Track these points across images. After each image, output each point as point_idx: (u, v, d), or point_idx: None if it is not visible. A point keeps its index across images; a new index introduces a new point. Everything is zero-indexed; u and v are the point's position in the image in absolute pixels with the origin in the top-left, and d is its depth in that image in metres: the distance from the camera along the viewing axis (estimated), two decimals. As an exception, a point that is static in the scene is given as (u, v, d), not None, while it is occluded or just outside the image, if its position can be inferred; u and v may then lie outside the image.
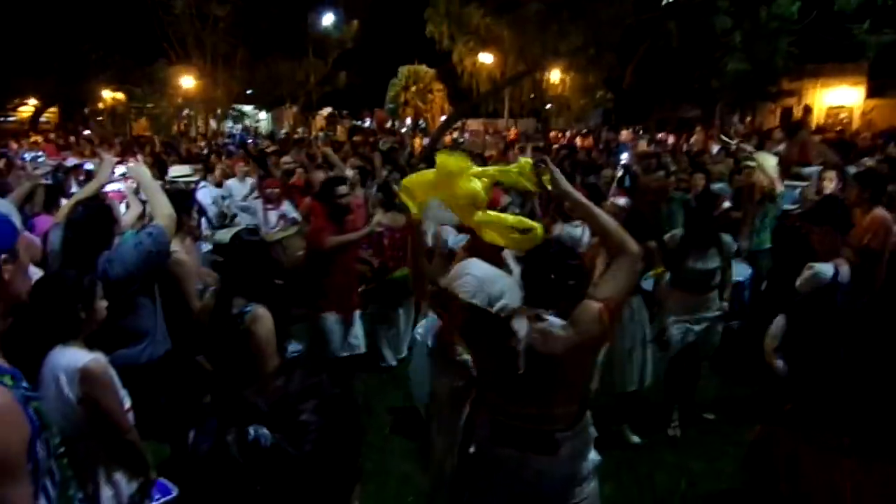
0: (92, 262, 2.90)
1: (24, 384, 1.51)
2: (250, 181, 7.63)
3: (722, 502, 3.67)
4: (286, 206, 6.68)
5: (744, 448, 2.90)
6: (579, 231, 4.49)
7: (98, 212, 3.08)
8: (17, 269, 1.53)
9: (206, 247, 5.62)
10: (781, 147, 9.33)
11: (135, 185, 3.65)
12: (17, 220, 1.53)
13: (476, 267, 2.24)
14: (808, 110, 24.30)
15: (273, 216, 6.56)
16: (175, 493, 2.60)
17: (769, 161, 5.82)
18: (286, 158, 8.99)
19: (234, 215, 6.95)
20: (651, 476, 3.81)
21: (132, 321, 3.04)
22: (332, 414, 0.96)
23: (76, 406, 2.33)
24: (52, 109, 28.30)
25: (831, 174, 5.28)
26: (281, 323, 2.70)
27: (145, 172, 3.12)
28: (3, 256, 1.46)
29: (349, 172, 7.79)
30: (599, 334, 2.07)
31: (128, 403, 2.50)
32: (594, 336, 2.07)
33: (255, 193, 7.19)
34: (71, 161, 8.65)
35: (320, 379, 1.00)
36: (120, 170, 3.59)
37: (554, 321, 2.08)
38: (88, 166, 8.22)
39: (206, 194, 7.16)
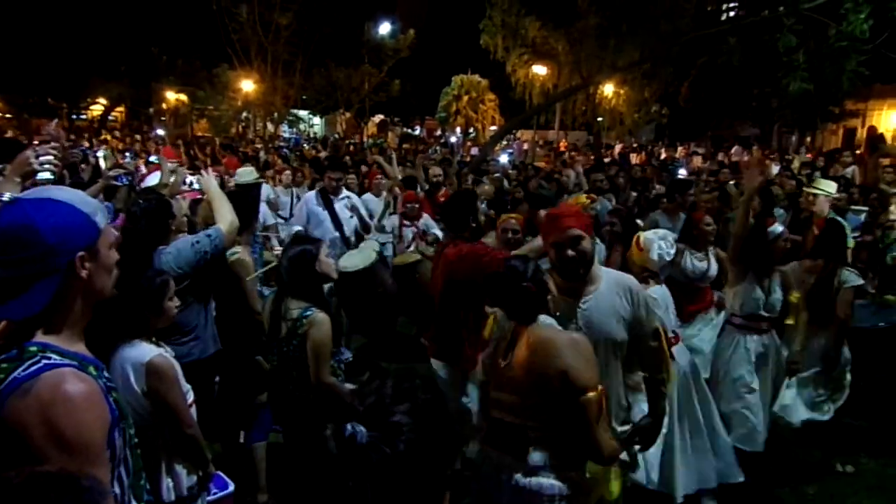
0: (148, 255, 3.00)
1: (106, 374, 1.58)
2: (385, 195, 6.89)
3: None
4: (424, 221, 6.28)
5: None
6: (704, 265, 4.33)
7: (157, 204, 3.19)
8: (98, 266, 1.52)
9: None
10: (850, 170, 9.00)
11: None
12: (101, 217, 1.56)
13: None
14: (872, 130, 23.30)
15: (409, 233, 6.19)
16: (231, 487, 2.68)
17: (830, 188, 5.59)
18: (436, 170, 8.21)
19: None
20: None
21: (178, 316, 3.07)
22: (424, 417, 1.00)
23: (142, 398, 2.43)
24: (120, 108, 29.54)
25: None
26: (338, 332, 2.76)
27: (213, 182, 3.24)
28: (81, 254, 1.45)
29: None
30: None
31: (191, 398, 2.60)
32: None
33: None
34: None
35: (413, 384, 1.05)
36: (189, 180, 3.72)
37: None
38: (153, 158, 8.54)
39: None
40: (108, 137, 17.80)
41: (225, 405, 3.54)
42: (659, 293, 3.45)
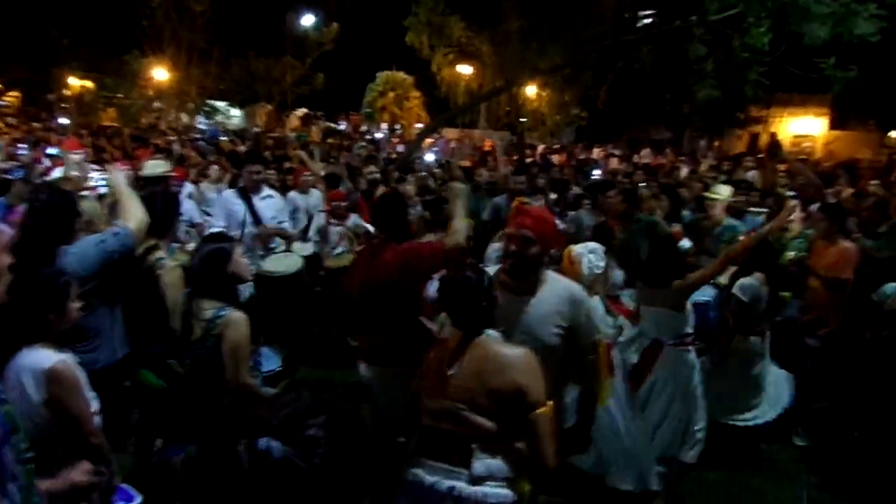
0: (50, 253, 2.81)
1: None
2: (317, 192, 6.81)
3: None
4: (352, 220, 6.15)
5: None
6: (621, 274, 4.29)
7: (60, 200, 2.98)
8: None
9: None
10: (751, 174, 9.60)
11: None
12: None
13: None
14: (774, 137, 25.03)
15: (335, 233, 6.04)
16: (139, 500, 2.54)
17: (725, 192, 5.93)
18: (372, 168, 8.09)
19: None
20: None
21: (84, 320, 2.91)
22: (340, 429, 0.98)
23: (41, 408, 2.27)
24: (14, 93, 27.39)
25: (793, 203, 5.43)
26: (257, 332, 2.67)
27: (121, 178, 3.06)
28: None
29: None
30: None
31: (95, 406, 2.44)
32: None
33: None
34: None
35: (330, 396, 1.03)
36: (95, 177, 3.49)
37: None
38: (52, 150, 7.93)
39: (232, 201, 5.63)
40: (1, 125, 16.45)
41: (138, 413, 3.36)
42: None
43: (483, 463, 2.21)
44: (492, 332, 2.32)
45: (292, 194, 6.80)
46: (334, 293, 4.07)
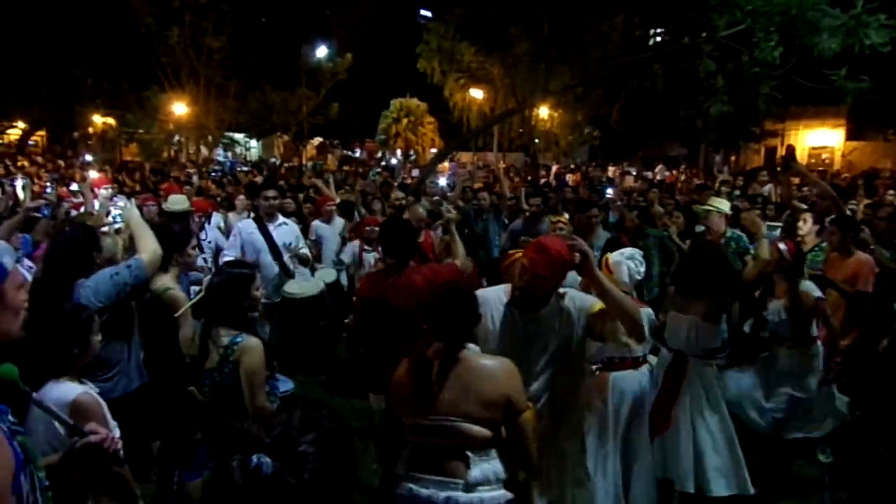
0: (69, 285, 2.89)
1: (11, 418, 1.53)
2: (340, 221, 6.85)
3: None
4: None
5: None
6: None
7: (83, 234, 3.08)
8: (4, 308, 1.51)
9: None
10: (767, 188, 9.53)
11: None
12: (9, 258, 1.52)
13: None
14: (791, 148, 24.74)
15: (370, 259, 6.04)
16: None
17: (723, 205, 5.91)
18: (398, 194, 8.14)
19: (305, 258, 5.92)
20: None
21: (101, 351, 2.98)
22: (329, 446, 1.03)
23: (66, 439, 2.32)
24: (40, 133, 28.19)
25: (807, 216, 5.40)
26: (272, 358, 2.71)
27: (135, 211, 3.16)
28: None
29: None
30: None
31: (118, 435, 2.50)
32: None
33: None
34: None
35: (320, 414, 1.08)
36: (114, 213, 3.60)
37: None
38: (74, 187, 8.15)
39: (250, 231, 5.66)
40: (26, 164, 16.91)
41: (159, 442, 3.42)
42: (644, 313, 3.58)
43: (480, 469, 2.31)
44: (472, 346, 2.42)
45: (316, 223, 6.88)
46: (372, 320, 4.06)
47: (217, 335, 2.70)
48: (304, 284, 5.47)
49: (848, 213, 5.65)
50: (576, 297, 2.83)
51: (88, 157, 20.54)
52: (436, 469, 2.33)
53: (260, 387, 2.65)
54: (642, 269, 3.62)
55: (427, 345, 2.39)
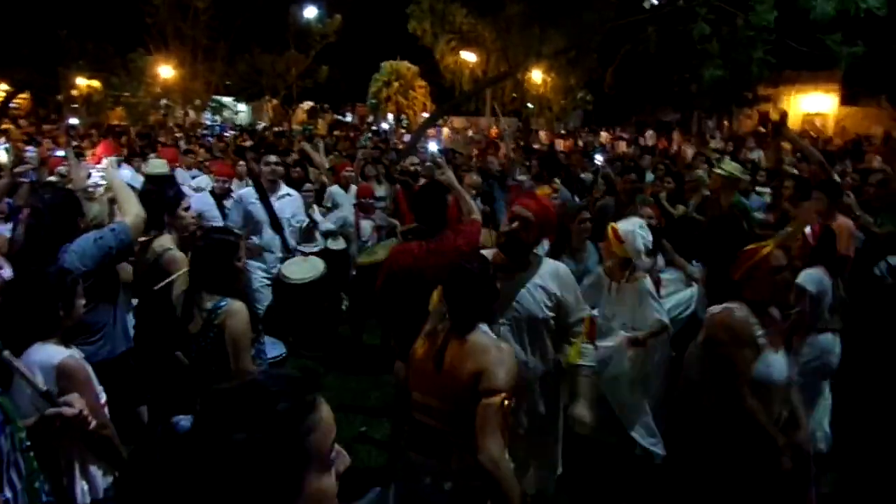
0: (54, 252, 2.87)
1: None
2: (354, 188, 6.68)
3: None
4: (378, 215, 6.24)
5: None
6: None
7: (63, 200, 3.04)
8: None
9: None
10: (756, 154, 9.53)
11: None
12: None
13: None
14: (784, 114, 24.66)
15: (367, 226, 6.02)
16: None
17: (737, 170, 5.84)
18: (412, 159, 8.02)
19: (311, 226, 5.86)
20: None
21: (86, 315, 2.87)
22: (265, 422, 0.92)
23: (53, 396, 2.34)
24: (24, 95, 27.57)
25: (790, 182, 5.40)
26: (257, 321, 2.71)
27: (116, 175, 3.12)
28: None
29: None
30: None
31: (103, 398, 2.52)
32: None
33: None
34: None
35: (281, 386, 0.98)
36: (95, 176, 3.53)
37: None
38: (60, 153, 8.00)
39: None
40: (11, 127, 16.59)
41: (148, 404, 3.44)
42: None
43: (461, 458, 2.20)
44: (483, 327, 2.32)
45: (334, 188, 6.77)
46: (367, 291, 3.92)
47: (201, 299, 2.69)
48: (304, 266, 5.31)
49: (836, 178, 5.65)
50: (562, 280, 2.79)
51: (74, 121, 20.18)
52: (427, 450, 2.30)
53: (245, 350, 2.65)
54: (650, 238, 3.67)
55: (442, 321, 2.33)
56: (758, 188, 6.65)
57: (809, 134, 21.02)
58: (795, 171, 6.63)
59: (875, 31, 8.79)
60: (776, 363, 2.63)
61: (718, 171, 5.72)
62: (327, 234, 6.09)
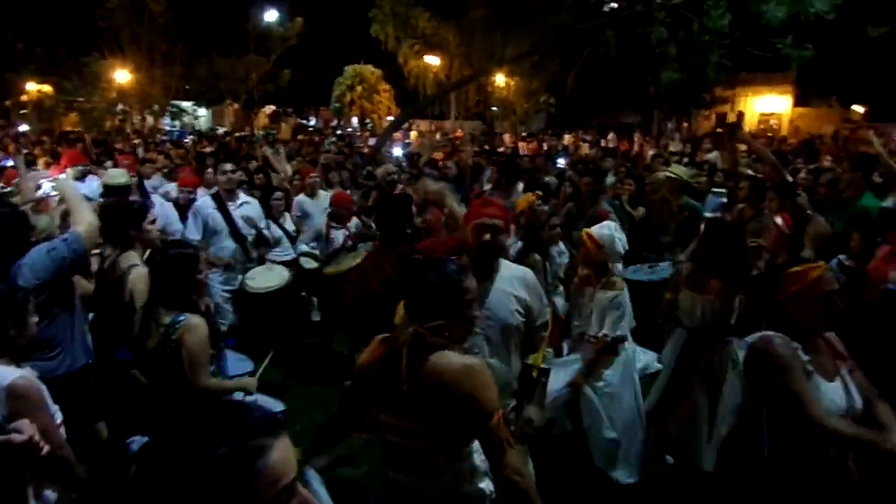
0: (4, 270, 2.79)
1: None
2: (325, 195, 6.45)
3: None
4: (356, 223, 6.04)
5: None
6: None
7: (12, 217, 2.95)
8: None
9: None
10: (712, 155, 9.76)
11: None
12: None
13: None
14: (741, 116, 25.50)
15: (339, 236, 5.78)
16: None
17: (683, 171, 5.98)
18: (388, 167, 7.76)
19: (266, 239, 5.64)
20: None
21: (43, 330, 2.83)
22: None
23: (3, 425, 2.25)
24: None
25: (745, 183, 5.54)
26: (216, 337, 2.66)
27: (69, 184, 3.04)
28: None
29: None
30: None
31: (59, 418, 2.43)
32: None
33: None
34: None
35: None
36: (46, 187, 3.43)
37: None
38: (8, 163, 7.72)
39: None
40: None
41: (106, 420, 3.34)
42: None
43: (452, 471, 2.12)
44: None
45: (300, 197, 6.52)
46: (335, 302, 3.82)
47: (159, 315, 2.63)
48: (267, 276, 5.23)
49: (788, 178, 5.83)
50: (529, 286, 2.79)
51: (23, 128, 19.51)
52: (408, 469, 2.15)
53: (202, 366, 2.59)
54: (625, 240, 3.72)
55: (402, 330, 2.08)
56: (714, 189, 6.80)
57: (766, 134, 21.68)
58: (751, 172, 6.80)
59: (825, 35, 9.11)
60: (829, 392, 2.34)
61: (668, 173, 5.86)
62: (302, 255, 5.93)
